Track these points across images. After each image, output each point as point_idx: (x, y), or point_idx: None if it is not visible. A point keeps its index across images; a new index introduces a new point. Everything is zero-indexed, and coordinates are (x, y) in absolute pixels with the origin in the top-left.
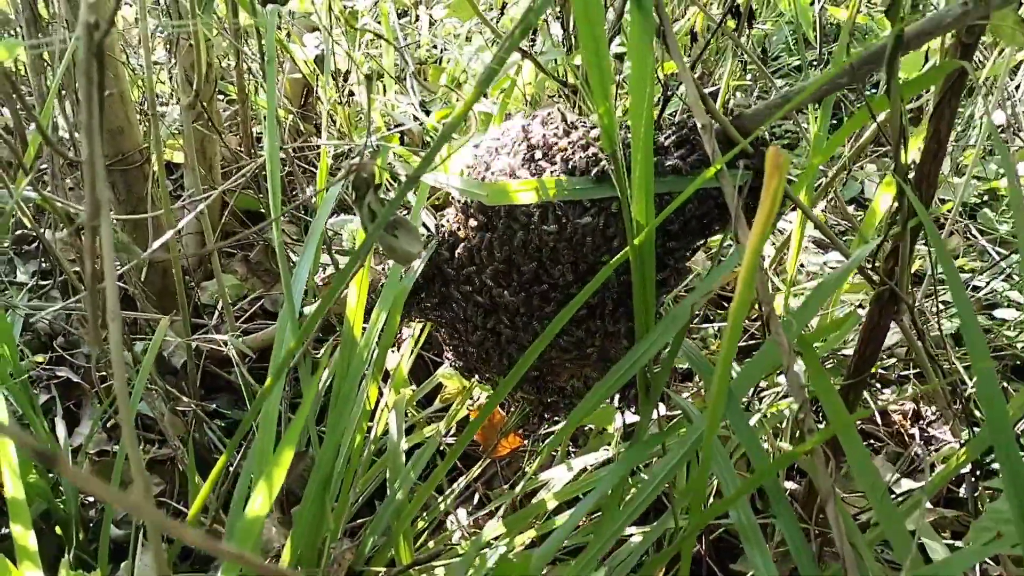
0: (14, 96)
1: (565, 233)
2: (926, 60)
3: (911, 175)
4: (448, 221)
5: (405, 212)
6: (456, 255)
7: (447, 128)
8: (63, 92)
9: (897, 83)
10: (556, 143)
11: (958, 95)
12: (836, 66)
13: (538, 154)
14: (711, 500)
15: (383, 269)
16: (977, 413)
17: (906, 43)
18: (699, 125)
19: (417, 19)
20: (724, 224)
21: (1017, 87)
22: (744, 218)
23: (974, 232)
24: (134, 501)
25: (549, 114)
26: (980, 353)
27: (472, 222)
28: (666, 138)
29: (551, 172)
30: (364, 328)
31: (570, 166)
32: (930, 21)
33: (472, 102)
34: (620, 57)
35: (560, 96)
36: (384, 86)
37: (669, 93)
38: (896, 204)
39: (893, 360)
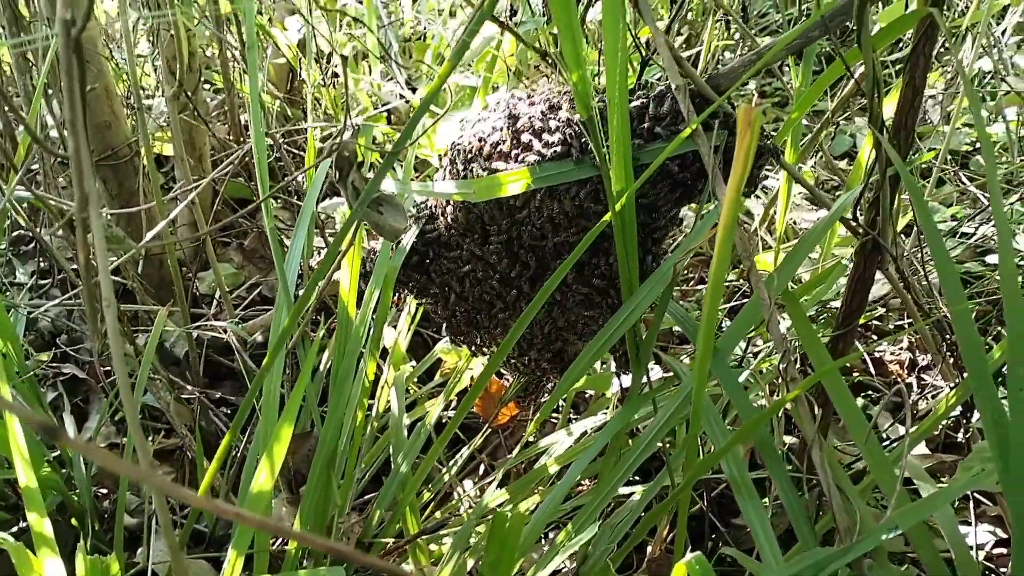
0: (1, 96)
1: (550, 210)
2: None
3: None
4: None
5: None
6: (440, 230)
7: (424, 100)
8: (49, 91)
9: (867, 33)
10: (542, 126)
11: (932, 43)
12: (812, 18)
13: (524, 138)
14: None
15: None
16: None
17: None
18: (673, 86)
19: None
20: (699, 191)
21: (1003, 32)
22: (721, 176)
23: (964, 180)
24: (142, 471)
25: (533, 92)
26: (956, 296)
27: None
28: (643, 105)
29: (536, 157)
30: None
31: (556, 150)
32: None
33: (446, 75)
34: None
35: (543, 68)
36: (369, 66)
37: (651, 54)
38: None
39: (885, 311)
